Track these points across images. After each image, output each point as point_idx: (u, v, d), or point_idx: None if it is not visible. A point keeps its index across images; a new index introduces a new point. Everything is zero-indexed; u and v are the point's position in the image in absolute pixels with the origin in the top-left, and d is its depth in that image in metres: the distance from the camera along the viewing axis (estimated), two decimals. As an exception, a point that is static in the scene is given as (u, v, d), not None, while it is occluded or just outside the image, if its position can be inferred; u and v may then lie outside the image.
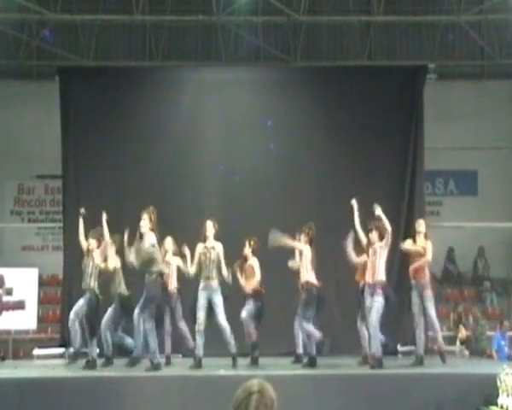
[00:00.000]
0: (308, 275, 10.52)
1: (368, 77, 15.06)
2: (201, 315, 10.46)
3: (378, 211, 10.39)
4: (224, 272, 10.62)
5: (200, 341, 10.46)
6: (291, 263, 11.03)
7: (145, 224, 10.28)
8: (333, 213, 13.73)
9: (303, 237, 10.73)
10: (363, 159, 14.24)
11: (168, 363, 11.54)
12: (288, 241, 10.65)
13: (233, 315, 10.81)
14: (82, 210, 11.60)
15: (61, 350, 13.81)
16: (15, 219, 17.63)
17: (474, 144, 17.07)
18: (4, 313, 14.58)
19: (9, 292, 14.60)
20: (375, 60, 17.27)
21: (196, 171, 14.34)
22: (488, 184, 17.45)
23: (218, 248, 10.64)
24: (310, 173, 14.43)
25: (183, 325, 11.59)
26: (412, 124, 14.50)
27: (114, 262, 11.31)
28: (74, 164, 14.42)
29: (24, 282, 14.74)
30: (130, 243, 10.81)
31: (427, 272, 10.84)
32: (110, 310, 11.17)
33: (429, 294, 10.66)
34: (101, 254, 11.06)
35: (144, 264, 10.20)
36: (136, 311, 10.78)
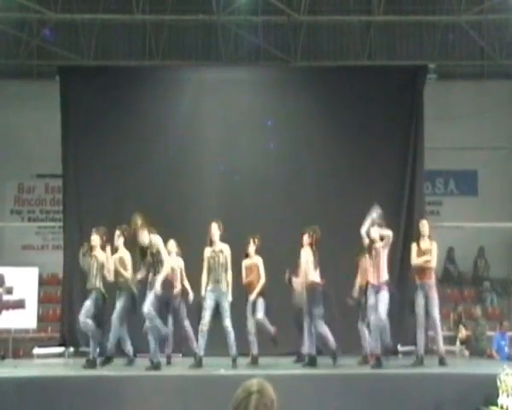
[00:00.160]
0: (311, 275, 10.55)
1: (368, 77, 15.07)
2: (207, 315, 10.45)
3: (375, 233, 10.37)
4: (230, 275, 10.64)
5: (202, 341, 10.45)
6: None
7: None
8: (333, 213, 13.79)
9: (306, 239, 10.73)
10: (363, 159, 14.26)
11: (169, 363, 11.58)
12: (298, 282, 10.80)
13: (236, 316, 10.83)
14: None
15: (60, 349, 13.87)
16: (15, 218, 17.66)
17: (474, 144, 17.10)
18: (4, 312, 14.59)
19: (9, 291, 14.61)
20: (375, 60, 17.29)
21: (196, 171, 14.36)
22: (488, 184, 17.47)
23: (226, 252, 10.62)
24: (310, 173, 14.44)
25: (187, 326, 11.60)
26: (412, 124, 14.52)
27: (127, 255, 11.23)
28: (74, 163, 14.44)
29: (24, 281, 14.75)
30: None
31: (432, 273, 10.82)
32: (119, 307, 11.04)
33: (435, 295, 10.64)
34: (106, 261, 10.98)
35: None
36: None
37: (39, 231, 17.63)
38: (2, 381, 9.40)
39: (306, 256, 10.62)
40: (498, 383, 8.47)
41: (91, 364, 10.70)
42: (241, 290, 11.03)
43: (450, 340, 14.15)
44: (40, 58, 17.35)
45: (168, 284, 10.52)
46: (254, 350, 10.98)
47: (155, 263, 10.18)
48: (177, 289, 11.59)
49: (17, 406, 9.03)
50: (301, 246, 10.73)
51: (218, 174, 14.46)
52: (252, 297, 10.97)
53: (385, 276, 10.34)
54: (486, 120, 17.08)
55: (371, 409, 9.18)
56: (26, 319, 14.77)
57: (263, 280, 11.06)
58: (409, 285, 12.10)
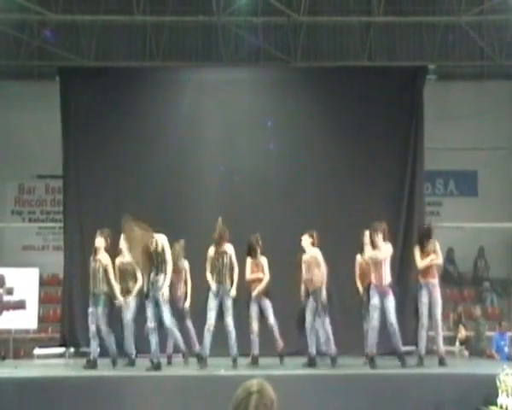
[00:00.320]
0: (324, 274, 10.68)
1: (368, 77, 15.08)
2: (212, 316, 10.50)
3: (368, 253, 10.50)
4: (236, 273, 10.67)
5: (207, 341, 10.48)
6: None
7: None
8: (333, 213, 13.82)
9: (308, 238, 10.78)
10: (363, 159, 14.27)
11: (169, 363, 11.59)
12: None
13: (237, 316, 10.85)
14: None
15: (61, 350, 13.89)
16: (16, 218, 17.69)
17: (474, 145, 17.12)
18: (5, 312, 14.62)
19: (10, 292, 14.64)
20: (375, 60, 17.32)
21: (196, 171, 14.37)
22: (488, 185, 17.49)
23: (230, 251, 10.66)
24: (310, 173, 14.45)
25: (190, 327, 11.63)
26: (412, 124, 14.52)
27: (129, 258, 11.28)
28: (75, 164, 14.44)
29: (24, 282, 14.79)
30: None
31: (436, 272, 10.86)
32: (133, 308, 11.09)
33: (438, 295, 10.67)
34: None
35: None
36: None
37: (40, 231, 17.67)
38: (2, 381, 9.43)
39: (316, 254, 10.68)
40: (498, 383, 8.49)
41: (92, 364, 10.73)
42: (241, 290, 11.06)
43: (449, 340, 14.17)
44: (41, 59, 17.37)
45: (171, 284, 10.53)
46: (255, 350, 11.00)
47: (159, 263, 10.13)
48: (182, 290, 11.59)
49: (18, 406, 9.05)
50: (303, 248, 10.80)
51: (219, 175, 14.47)
52: (254, 293, 10.98)
53: (388, 277, 10.41)
54: (486, 121, 17.09)
55: (371, 409, 9.21)
56: (26, 320, 14.80)
57: (267, 278, 11.08)
58: (411, 285, 12.14)
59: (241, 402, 3.11)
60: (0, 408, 8.88)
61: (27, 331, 15.54)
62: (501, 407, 8.43)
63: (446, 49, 17.43)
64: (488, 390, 8.67)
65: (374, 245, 10.44)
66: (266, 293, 11.06)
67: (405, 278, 12.58)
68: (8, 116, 17.02)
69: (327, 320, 10.65)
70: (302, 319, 10.82)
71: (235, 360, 10.53)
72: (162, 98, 14.57)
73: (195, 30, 17.33)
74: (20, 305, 14.62)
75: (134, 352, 11.24)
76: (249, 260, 11.12)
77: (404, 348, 12.81)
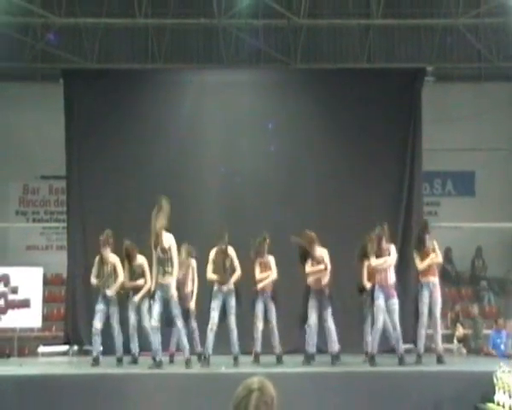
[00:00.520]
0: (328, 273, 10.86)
1: (367, 79, 15.07)
2: (215, 315, 10.65)
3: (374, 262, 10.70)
4: (238, 274, 10.84)
5: (210, 340, 10.60)
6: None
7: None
8: (333, 214, 13.87)
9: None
10: (362, 160, 14.28)
11: (171, 361, 11.65)
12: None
13: (239, 316, 11.00)
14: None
15: (65, 348, 14.03)
16: (20, 219, 17.79)
17: (472, 146, 17.17)
18: (10, 311, 14.72)
19: (15, 291, 14.73)
20: (374, 62, 17.40)
21: (197, 172, 14.37)
22: (485, 185, 17.56)
23: (231, 253, 10.84)
24: (310, 175, 14.48)
25: (194, 327, 11.75)
26: (411, 125, 14.54)
27: (141, 260, 11.45)
28: (78, 165, 14.46)
29: (29, 281, 14.85)
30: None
31: (436, 270, 11.02)
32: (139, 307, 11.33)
33: (438, 294, 10.79)
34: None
35: None
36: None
37: (44, 231, 17.76)
38: (7, 379, 9.53)
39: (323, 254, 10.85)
40: (495, 380, 8.61)
41: (96, 361, 10.90)
42: (246, 290, 11.20)
43: (447, 338, 14.28)
44: (44, 61, 17.44)
45: (178, 282, 10.65)
46: (258, 348, 11.15)
47: (165, 261, 10.18)
48: (188, 289, 11.68)
49: (22, 403, 9.15)
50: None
51: (219, 176, 14.48)
52: (260, 286, 11.11)
53: (393, 278, 10.59)
54: (484, 122, 17.11)
55: (371, 407, 9.29)
56: (30, 318, 14.86)
57: (274, 276, 11.23)
58: (411, 285, 12.29)
59: (241, 400, 3.13)
60: (3, 406, 8.97)
61: (32, 330, 15.60)
62: (498, 403, 8.54)
63: (444, 51, 17.49)
64: (485, 388, 8.80)
65: (380, 250, 10.61)
66: (273, 295, 11.21)
67: (404, 278, 12.64)
68: (10, 117, 17.10)
69: (331, 318, 10.80)
70: (304, 316, 10.96)
71: (236, 358, 10.70)
72: (163, 100, 14.59)
73: (197, 32, 17.42)
74: (24, 304, 14.71)
75: (137, 350, 11.43)
76: (258, 260, 11.25)
77: (403, 346, 12.97)
